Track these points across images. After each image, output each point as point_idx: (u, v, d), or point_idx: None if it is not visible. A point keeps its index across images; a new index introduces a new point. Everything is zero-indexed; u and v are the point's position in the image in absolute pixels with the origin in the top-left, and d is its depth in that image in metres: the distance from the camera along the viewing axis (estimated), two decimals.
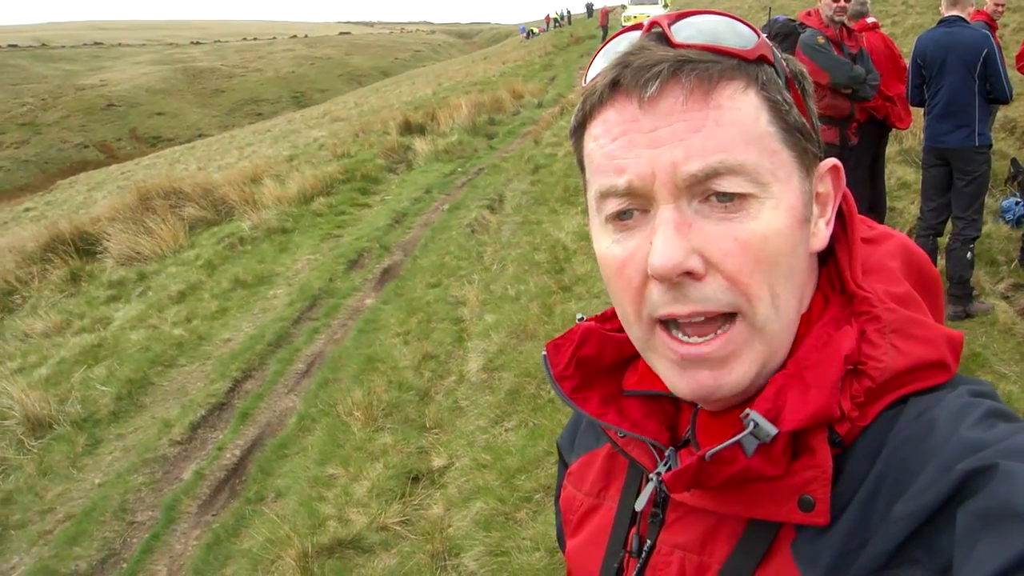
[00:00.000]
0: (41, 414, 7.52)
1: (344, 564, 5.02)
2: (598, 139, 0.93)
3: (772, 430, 0.85)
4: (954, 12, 6.68)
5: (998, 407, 0.86)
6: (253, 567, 5.16)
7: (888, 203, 8.72)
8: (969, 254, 6.67)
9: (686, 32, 0.90)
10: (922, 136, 7.40)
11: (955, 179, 6.78)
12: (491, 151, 18.34)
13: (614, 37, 0.98)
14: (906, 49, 8.37)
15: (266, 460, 6.49)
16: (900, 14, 20.51)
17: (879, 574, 0.80)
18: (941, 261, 6.93)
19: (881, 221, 7.98)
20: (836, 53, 6.89)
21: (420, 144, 18.23)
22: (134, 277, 11.97)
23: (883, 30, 7.85)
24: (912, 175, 9.79)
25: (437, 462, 5.98)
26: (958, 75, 6.55)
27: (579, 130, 0.98)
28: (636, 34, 0.95)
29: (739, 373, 0.91)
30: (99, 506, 6.19)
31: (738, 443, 0.87)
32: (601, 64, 0.95)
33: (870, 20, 7.78)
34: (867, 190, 7.75)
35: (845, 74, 6.80)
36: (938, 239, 7.12)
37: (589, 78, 0.97)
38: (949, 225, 6.98)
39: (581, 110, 0.96)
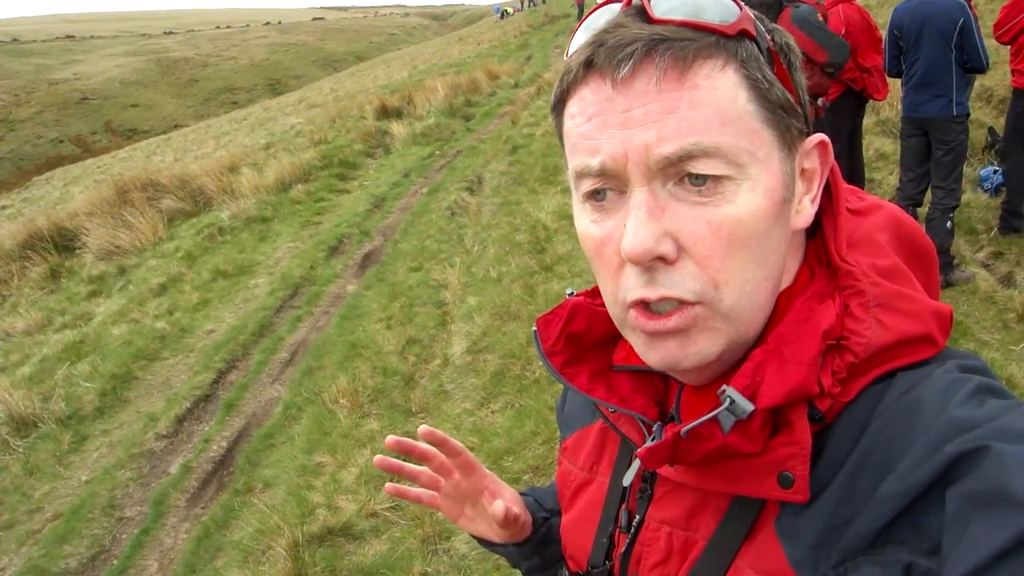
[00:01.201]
0: (25, 413, 7.49)
1: (335, 552, 5.01)
2: (574, 117, 0.92)
3: (748, 406, 0.85)
4: None
5: (988, 382, 0.85)
6: (244, 558, 5.15)
7: (867, 175, 8.74)
8: (949, 223, 6.69)
9: (666, 5, 0.88)
10: (900, 107, 7.41)
11: (933, 149, 6.80)
12: (469, 133, 18.26)
13: (595, 10, 0.96)
14: (882, 20, 8.38)
15: (253, 451, 6.48)
16: None
17: (865, 553, 0.80)
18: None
19: None
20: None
21: (397, 128, 18.13)
22: (114, 271, 11.92)
23: (858, 1, 7.84)
24: (890, 146, 9.80)
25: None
26: (935, 45, 6.56)
27: (559, 106, 0.97)
28: (616, 7, 0.92)
29: (703, 345, 0.90)
30: (87, 503, 6.17)
31: (715, 419, 0.87)
32: (580, 39, 0.94)
33: None
34: (846, 162, 7.77)
35: (845, 54, 6.80)
36: (917, 209, 7.15)
37: (569, 52, 0.95)
38: (929, 195, 7.00)
39: (559, 87, 0.95)
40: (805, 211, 0.97)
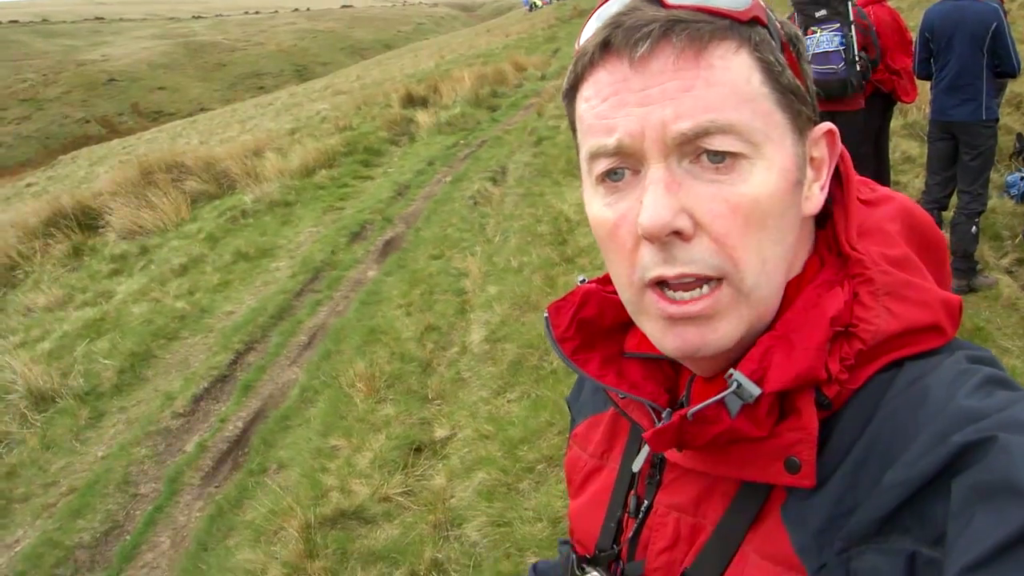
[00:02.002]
0: (44, 388, 7.54)
1: (347, 534, 5.03)
2: (589, 100, 0.94)
3: (755, 390, 0.87)
4: None
5: (996, 374, 0.85)
6: (256, 538, 5.17)
7: (893, 177, 8.69)
8: (974, 228, 6.65)
9: None
10: (927, 110, 7.37)
11: (961, 153, 6.75)
12: (494, 123, 18.27)
13: (604, 2, 0.97)
14: (911, 23, 8.32)
15: (268, 432, 6.51)
16: None
17: (869, 541, 0.81)
18: (946, 235, 6.92)
19: None
20: None
21: (423, 116, 18.19)
22: (136, 251, 11.97)
23: (889, 3, 7.79)
24: (916, 149, 9.76)
25: (439, 433, 5.99)
26: (966, 48, 6.50)
27: (571, 93, 0.99)
28: None
29: (724, 332, 0.91)
30: (102, 479, 6.21)
31: (722, 403, 0.88)
32: (594, 26, 0.95)
33: None
34: (872, 164, 7.73)
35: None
36: (943, 213, 7.10)
37: (582, 41, 0.97)
38: (954, 199, 6.96)
39: (573, 72, 0.97)
40: (814, 198, 0.99)
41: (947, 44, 6.61)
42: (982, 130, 6.61)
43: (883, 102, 7.72)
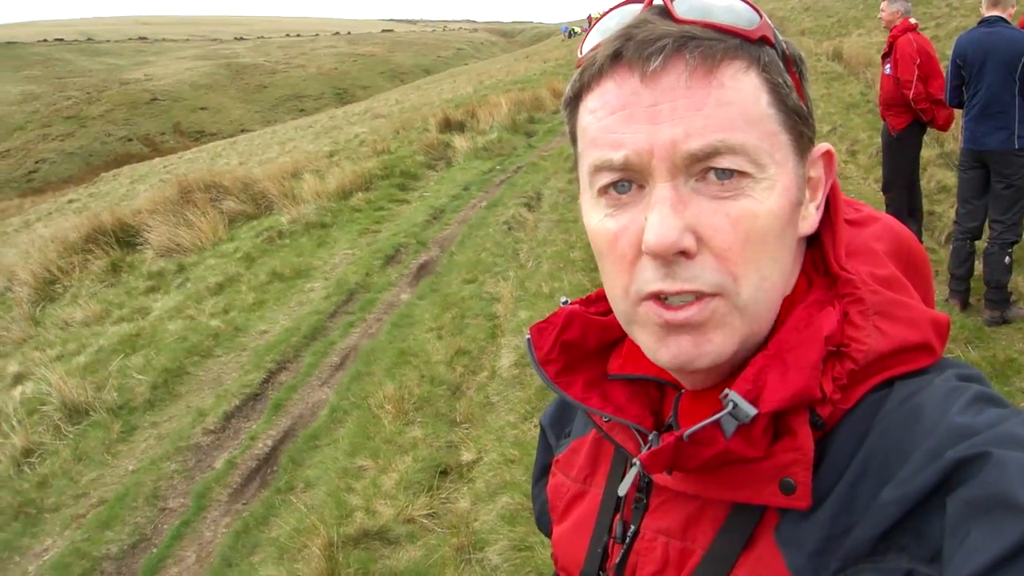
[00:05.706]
0: (78, 401, 7.61)
1: (370, 555, 5.04)
2: (595, 112, 0.92)
3: (751, 411, 0.85)
4: (995, 12, 6.56)
5: (986, 391, 0.85)
6: (280, 555, 5.19)
7: (928, 207, 8.63)
8: (1007, 259, 6.56)
9: (687, 7, 0.89)
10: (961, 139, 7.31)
11: (993, 182, 6.69)
12: (530, 149, 18.33)
13: (607, 13, 0.96)
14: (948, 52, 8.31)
15: (297, 451, 6.54)
16: (944, 16, 20.25)
17: (865, 560, 0.80)
18: (979, 265, 6.86)
19: (919, 225, 7.91)
20: None
21: (460, 141, 18.31)
22: (173, 268, 12.10)
23: (927, 33, 7.77)
24: (952, 179, 9.62)
25: (466, 456, 5.99)
26: (998, 76, 6.43)
27: (574, 102, 0.98)
28: (630, 8, 0.93)
29: (719, 343, 0.90)
30: (132, 492, 6.26)
31: (717, 424, 0.87)
32: (597, 38, 0.95)
33: (912, 20, 7.71)
34: (905, 192, 7.71)
35: None
36: (975, 242, 7.02)
37: (585, 50, 0.96)
38: (987, 230, 6.88)
39: (579, 81, 0.96)
40: (810, 218, 0.99)
41: (978, 71, 6.55)
42: (1015, 159, 6.52)
43: (920, 131, 7.69)
